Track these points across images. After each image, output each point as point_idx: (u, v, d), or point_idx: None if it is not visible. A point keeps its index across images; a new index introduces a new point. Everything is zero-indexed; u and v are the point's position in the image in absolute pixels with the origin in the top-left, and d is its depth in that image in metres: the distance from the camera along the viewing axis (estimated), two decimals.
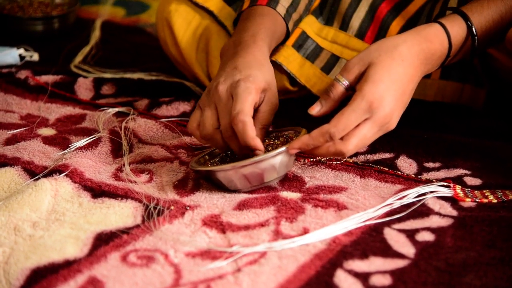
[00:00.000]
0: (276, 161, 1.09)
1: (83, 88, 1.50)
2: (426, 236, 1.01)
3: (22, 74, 1.55)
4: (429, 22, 1.18)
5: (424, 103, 1.35)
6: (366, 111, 1.04)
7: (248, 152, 1.10)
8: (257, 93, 1.11)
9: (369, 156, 1.22)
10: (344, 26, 1.39)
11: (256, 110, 1.13)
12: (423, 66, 1.09)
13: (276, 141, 1.17)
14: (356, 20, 1.39)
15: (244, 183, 1.11)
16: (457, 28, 1.11)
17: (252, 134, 1.08)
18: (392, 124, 1.07)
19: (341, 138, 1.05)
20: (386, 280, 0.92)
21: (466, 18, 1.12)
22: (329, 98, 1.09)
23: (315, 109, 1.10)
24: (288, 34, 1.33)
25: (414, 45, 1.09)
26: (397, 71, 1.06)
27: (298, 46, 1.38)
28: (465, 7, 1.13)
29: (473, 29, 1.12)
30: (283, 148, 1.08)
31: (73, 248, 0.99)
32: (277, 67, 1.36)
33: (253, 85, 1.10)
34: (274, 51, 1.37)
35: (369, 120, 1.05)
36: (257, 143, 1.09)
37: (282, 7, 1.29)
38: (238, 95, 1.09)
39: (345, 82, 1.08)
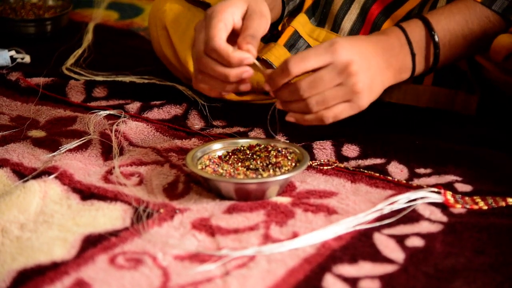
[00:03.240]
0: (281, 182, 1.11)
1: (75, 90, 1.49)
2: (415, 242, 1.00)
3: (13, 76, 1.54)
4: None
5: (417, 110, 1.35)
6: (327, 49, 1.04)
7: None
8: (225, 13, 1.08)
9: (360, 162, 1.22)
10: (335, 28, 1.39)
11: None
12: (386, 56, 1.10)
13: (285, 159, 1.16)
14: (348, 22, 1.39)
15: (242, 197, 1.10)
16: (413, 26, 1.14)
17: (226, 54, 1.06)
18: (358, 85, 1.06)
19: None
20: (375, 285, 0.91)
21: (423, 18, 1.14)
22: None
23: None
24: (283, 7, 1.34)
25: (370, 36, 1.12)
26: (358, 43, 1.08)
27: (289, 45, 1.37)
28: (426, 13, 1.17)
29: (428, 23, 1.13)
30: (292, 173, 1.10)
31: (61, 250, 0.98)
32: (268, 66, 1.36)
33: (219, 8, 1.08)
34: (266, 49, 1.37)
35: (330, 64, 1.04)
36: (239, 56, 1.07)
37: None
38: (206, 25, 1.08)
39: None
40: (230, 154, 1.18)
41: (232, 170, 1.12)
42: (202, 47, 1.09)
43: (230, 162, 1.16)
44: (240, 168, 1.14)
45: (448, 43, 1.13)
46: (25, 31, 1.80)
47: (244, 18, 1.12)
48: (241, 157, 1.17)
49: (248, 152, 1.18)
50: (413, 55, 1.12)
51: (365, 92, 1.07)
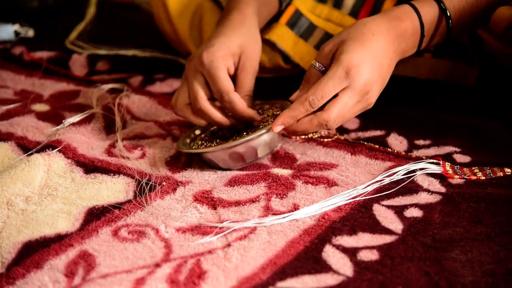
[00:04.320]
0: (261, 140, 1.10)
1: (78, 64, 1.51)
2: (414, 212, 1.01)
3: (17, 50, 1.56)
4: None
5: (416, 81, 1.36)
6: (343, 78, 1.04)
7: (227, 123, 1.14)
8: (225, 61, 1.12)
9: (360, 134, 1.23)
10: (338, 4, 1.39)
11: (234, 75, 1.15)
12: (396, 43, 1.09)
13: (265, 115, 1.17)
14: None
15: (231, 163, 1.12)
16: (427, 7, 1.11)
17: (243, 109, 1.11)
18: (372, 98, 1.07)
19: (323, 110, 1.05)
20: (374, 255, 0.93)
21: None
22: (307, 84, 1.09)
23: (295, 95, 1.11)
24: (280, 4, 1.34)
25: (383, 22, 1.09)
26: (370, 43, 1.06)
27: (291, 24, 1.38)
28: None
29: (443, 7, 1.11)
30: (265, 130, 1.10)
31: (65, 222, 1.00)
32: (271, 45, 1.37)
33: (217, 55, 1.12)
34: (268, 29, 1.37)
35: (348, 88, 1.04)
36: (251, 114, 1.12)
37: None
38: (208, 74, 1.12)
39: (319, 65, 1.08)
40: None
41: (222, 141, 1.14)
42: (202, 93, 1.13)
43: (220, 134, 1.17)
44: (228, 136, 1.15)
45: (456, 22, 1.13)
46: (29, 5, 1.82)
47: (238, 66, 1.15)
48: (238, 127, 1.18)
49: None
50: (422, 37, 1.12)
51: (376, 97, 1.08)
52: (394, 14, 1.10)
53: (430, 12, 1.11)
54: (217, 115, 1.13)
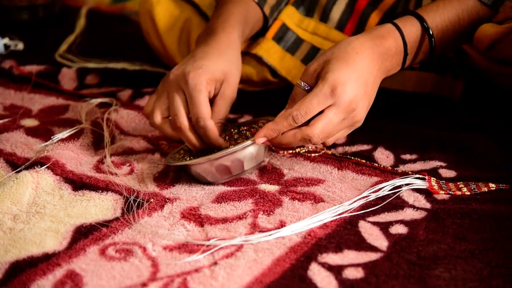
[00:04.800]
0: (246, 152, 1.11)
1: (67, 78, 1.51)
2: (399, 229, 1.02)
3: (7, 64, 1.56)
4: (405, 10, 1.20)
5: (404, 94, 1.37)
6: (328, 96, 1.05)
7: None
8: (208, 86, 1.14)
9: (347, 148, 1.24)
10: (324, 18, 1.40)
11: (212, 100, 1.16)
12: (380, 61, 1.10)
13: (247, 133, 1.18)
14: (336, 12, 1.40)
15: (217, 176, 1.12)
16: (410, 26, 1.13)
17: (215, 137, 1.14)
18: (359, 116, 1.08)
19: (308, 125, 1.06)
20: (359, 273, 0.93)
21: (419, 18, 1.13)
22: (292, 103, 1.10)
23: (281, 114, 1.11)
24: (266, 19, 1.35)
25: (367, 41, 1.10)
26: (354, 61, 1.07)
27: (278, 38, 1.39)
28: (420, 9, 1.15)
29: (426, 25, 1.13)
30: (250, 141, 1.10)
31: (53, 241, 1.00)
32: (258, 60, 1.38)
33: (202, 78, 1.13)
34: (255, 43, 1.38)
35: (334, 106, 1.05)
36: (221, 142, 1.15)
37: None
38: (190, 96, 1.13)
39: (304, 84, 1.09)
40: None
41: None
42: (183, 112, 1.14)
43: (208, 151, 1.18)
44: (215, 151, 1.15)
45: (439, 40, 1.14)
46: (18, 17, 1.82)
47: (218, 92, 1.17)
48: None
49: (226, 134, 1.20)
50: (405, 55, 1.13)
51: (363, 114, 1.09)
52: (378, 33, 1.11)
53: (413, 31, 1.12)
54: (191, 137, 1.15)
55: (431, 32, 1.12)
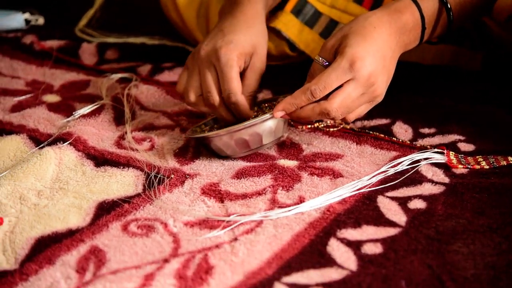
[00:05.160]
0: (265, 126, 1.12)
1: (87, 53, 1.53)
2: (418, 204, 1.03)
3: (28, 39, 1.58)
4: None
5: (422, 67, 1.37)
6: (347, 70, 1.05)
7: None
8: (239, 60, 1.15)
9: (366, 122, 1.25)
10: None
11: (242, 74, 1.17)
12: (398, 36, 1.10)
13: (267, 109, 1.19)
14: None
15: (237, 149, 1.14)
16: (427, 0, 1.12)
17: (246, 111, 1.15)
18: (378, 90, 1.08)
19: (326, 99, 1.07)
20: (377, 248, 0.94)
21: None
22: (311, 79, 1.10)
23: None
24: None
25: (384, 16, 1.10)
26: (372, 36, 1.07)
27: (297, 11, 1.39)
28: None
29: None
30: (269, 115, 1.11)
31: (76, 217, 1.02)
32: (277, 33, 1.39)
33: (234, 53, 1.13)
34: (273, 17, 1.38)
35: (353, 80, 1.06)
36: (251, 116, 1.16)
37: None
38: (222, 71, 1.13)
39: (322, 60, 1.09)
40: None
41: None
42: (215, 89, 1.15)
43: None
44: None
45: (457, 13, 1.14)
46: None
47: (248, 65, 1.17)
48: None
49: None
50: (423, 29, 1.13)
51: (383, 89, 1.09)
52: (395, 7, 1.11)
53: (430, 5, 1.12)
54: (224, 112, 1.16)
55: (449, 6, 1.12)
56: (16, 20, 1.64)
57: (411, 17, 1.11)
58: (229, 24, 1.18)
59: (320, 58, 1.10)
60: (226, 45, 1.14)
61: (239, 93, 1.14)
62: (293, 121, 1.18)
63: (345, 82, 1.06)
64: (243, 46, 1.15)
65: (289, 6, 1.39)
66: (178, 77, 1.19)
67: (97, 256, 0.94)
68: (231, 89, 1.13)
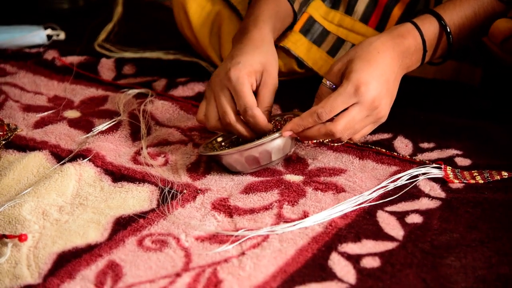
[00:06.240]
0: (274, 144, 1.18)
1: (106, 68, 1.60)
2: (415, 219, 1.09)
3: (50, 55, 1.65)
4: (426, 7, 1.25)
5: (424, 81, 1.43)
6: (352, 95, 1.11)
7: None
8: (250, 78, 1.20)
9: (368, 137, 1.31)
10: (349, 10, 1.46)
11: (255, 92, 1.22)
12: (400, 59, 1.16)
13: (275, 126, 1.25)
14: (361, 5, 1.46)
15: (247, 166, 1.20)
16: (428, 24, 1.18)
17: (264, 123, 1.20)
18: (382, 112, 1.14)
19: (332, 121, 1.13)
20: (376, 262, 1.00)
21: (437, 16, 1.18)
22: (318, 101, 1.16)
23: None
24: (295, 14, 1.41)
25: (388, 40, 1.16)
26: (376, 61, 1.13)
27: (305, 31, 1.45)
28: (438, 7, 1.20)
29: (443, 23, 1.17)
30: (278, 134, 1.17)
31: (95, 232, 1.09)
32: (286, 52, 1.45)
33: (243, 72, 1.19)
34: (283, 36, 1.45)
35: (358, 104, 1.12)
36: (270, 128, 1.21)
37: None
38: (234, 89, 1.19)
39: (329, 83, 1.15)
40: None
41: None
42: (230, 109, 1.20)
43: (239, 142, 1.25)
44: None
45: (457, 36, 1.19)
46: (59, 7, 1.90)
47: (260, 83, 1.22)
48: None
49: None
50: (424, 52, 1.18)
51: (387, 111, 1.15)
52: (398, 32, 1.17)
53: (431, 29, 1.17)
54: (242, 129, 1.21)
55: (448, 30, 1.17)
56: (39, 36, 1.70)
57: (413, 41, 1.17)
58: (237, 49, 1.24)
59: (328, 82, 1.16)
60: (234, 66, 1.20)
61: (254, 107, 1.19)
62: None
63: (350, 105, 1.12)
64: (251, 64, 1.21)
65: (298, 26, 1.45)
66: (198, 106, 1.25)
67: (114, 271, 1.01)
68: (246, 104, 1.18)
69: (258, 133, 1.22)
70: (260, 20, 1.29)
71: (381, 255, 1.02)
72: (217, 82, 1.21)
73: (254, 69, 1.21)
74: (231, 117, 1.20)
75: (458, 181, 1.16)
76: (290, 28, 1.44)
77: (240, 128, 1.21)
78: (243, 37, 1.26)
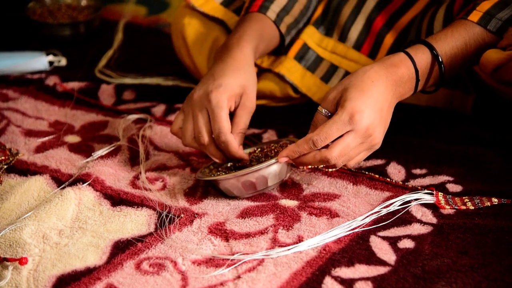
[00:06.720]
0: (271, 170, 1.21)
1: (106, 94, 1.63)
2: (407, 244, 1.11)
3: (51, 81, 1.68)
4: (417, 35, 1.28)
5: (417, 108, 1.46)
6: (347, 123, 1.14)
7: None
8: (229, 101, 1.24)
9: (362, 163, 1.33)
10: (342, 38, 1.50)
11: (232, 113, 1.26)
12: (394, 88, 1.18)
13: (272, 152, 1.28)
14: (354, 32, 1.49)
15: (243, 191, 1.23)
16: (420, 54, 1.20)
17: (235, 149, 1.24)
18: (376, 140, 1.16)
19: (327, 148, 1.16)
20: (368, 286, 1.03)
21: (429, 46, 1.21)
22: (314, 129, 1.19)
23: None
24: (282, 37, 1.45)
25: (381, 69, 1.18)
26: (370, 89, 1.16)
27: (299, 57, 1.49)
28: (430, 37, 1.23)
29: (435, 53, 1.20)
30: (274, 160, 1.20)
31: (94, 256, 1.11)
32: (281, 78, 1.48)
33: (223, 96, 1.23)
34: (277, 62, 1.48)
35: (352, 132, 1.14)
36: (242, 155, 1.25)
37: (272, 12, 1.42)
38: (212, 112, 1.23)
39: (325, 111, 1.18)
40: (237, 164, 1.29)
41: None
42: (205, 130, 1.24)
43: (236, 166, 1.28)
44: (243, 168, 1.25)
45: (448, 66, 1.22)
46: (61, 34, 1.93)
47: (238, 105, 1.26)
48: (251, 160, 1.29)
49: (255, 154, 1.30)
50: (417, 81, 1.21)
51: (380, 138, 1.18)
52: (391, 62, 1.20)
53: (423, 59, 1.20)
54: (215, 152, 1.26)
55: (440, 59, 1.20)
56: (41, 62, 1.73)
57: (406, 71, 1.19)
58: (219, 69, 1.28)
59: (323, 110, 1.18)
60: (216, 89, 1.24)
61: (228, 133, 1.23)
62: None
63: (345, 133, 1.15)
64: (232, 88, 1.25)
65: (292, 52, 1.49)
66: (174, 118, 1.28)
67: None
68: (220, 129, 1.22)
69: (229, 158, 1.25)
70: (243, 39, 1.33)
71: (373, 279, 1.04)
72: (197, 101, 1.25)
73: (235, 92, 1.25)
74: (206, 139, 1.24)
75: (449, 207, 1.19)
76: (278, 49, 1.48)
77: (212, 150, 1.26)
78: (225, 55, 1.30)
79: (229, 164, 1.29)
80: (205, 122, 1.24)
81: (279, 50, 1.49)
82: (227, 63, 1.28)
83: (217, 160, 1.27)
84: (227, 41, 1.34)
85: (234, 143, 1.23)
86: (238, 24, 1.39)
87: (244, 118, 1.26)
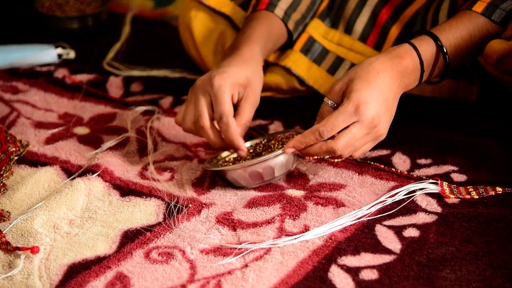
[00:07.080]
0: (277, 161, 1.22)
1: (114, 86, 1.65)
2: (412, 232, 1.13)
3: (60, 73, 1.70)
4: (422, 27, 1.29)
5: (422, 99, 1.47)
6: (353, 114, 1.15)
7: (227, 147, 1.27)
8: (232, 88, 1.25)
9: (368, 153, 1.35)
10: (348, 30, 1.51)
11: (236, 105, 1.27)
12: (399, 79, 1.20)
13: (278, 144, 1.29)
14: (359, 25, 1.50)
15: (250, 181, 1.24)
16: (425, 45, 1.21)
17: (235, 134, 1.24)
18: (381, 130, 1.18)
19: (333, 139, 1.17)
20: (374, 274, 1.04)
21: (434, 37, 1.22)
22: (320, 120, 1.20)
23: None
24: (289, 33, 1.46)
25: (386, 61, 1.19)
26: (375, 81, 1.17)
27: (305, 50, 1.50)
28: (435, 28, 1.24)
29: (440, 44, 1.21)
30: (281, 151, 1.21)
31: (104, 245, 1.13)
32: (287, 70, 1.49)
33: (227, 81, 1.24)
34: (284, 56, 1.49)
35: (358, 122, 1.16)
36: (240, 142, 1.24)
37: (280, 10, 1.43)
38: (215, 96, 1.24)
39: (331, 103, 1.19)
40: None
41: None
42: (206, 113, 1.25)
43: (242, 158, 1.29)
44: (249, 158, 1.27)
45: (453, 56, 1.23)
46: (69, 27, 1.95)
47: (242, 97, 1.27)
48: (258, 151, 1.30)
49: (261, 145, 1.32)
50: (422, 71, 1.22)
51: (386, 129, 1.19)
52: (396, 53, 1.21)
53: (428, 50, 1.21)
54: (213, 136, 1.26)
55: (445, 50, 1.21)
56: (49, 55, 1.74)
57: (411, 61, 1.21)
58: (226, 61, 1.29)
59: (329, 101, 1.20)
60: (219, 74, 1.25)
61: (230, 116, 1.23)
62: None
63: (351, 124, 1.16)
64: (236, 76, 1.25)
65: (298, 45, 1.50)
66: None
67: (122, 282, 1.05)
68: (223, 111, 1.23)
69: (228, 144, 1.26)
70: (251, 39, 1.34)
71: (379, 267, 1.06)
72: (199, 86, 1.26)
73: (238, 81, 1.26)
74: (205, 121, 1.25)
75: (454, 196, 1.20)
76: (286, 46, 1.50)
77: (211, 134, 1.26)
78: (233, 53, 1.32)
79: (235, 155, 1.31)
80: (206, 105, 1.25)
81: (286, 46, 1.51)
82: (233, 58, 1.30)
83: (214, 146, 1.28)
84: (235, 40, 1.36)
85: (235, 127, 1.23)
86: (246, 23, 1.41)
87: (247, 110, 1.27)
